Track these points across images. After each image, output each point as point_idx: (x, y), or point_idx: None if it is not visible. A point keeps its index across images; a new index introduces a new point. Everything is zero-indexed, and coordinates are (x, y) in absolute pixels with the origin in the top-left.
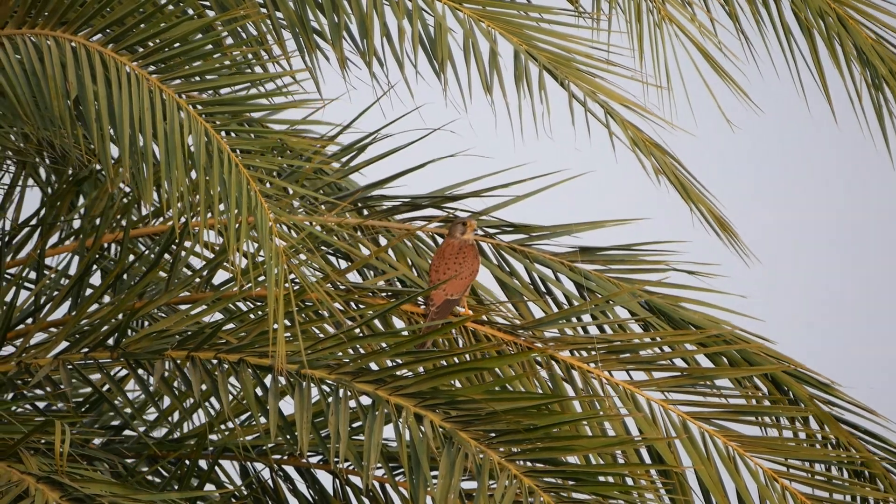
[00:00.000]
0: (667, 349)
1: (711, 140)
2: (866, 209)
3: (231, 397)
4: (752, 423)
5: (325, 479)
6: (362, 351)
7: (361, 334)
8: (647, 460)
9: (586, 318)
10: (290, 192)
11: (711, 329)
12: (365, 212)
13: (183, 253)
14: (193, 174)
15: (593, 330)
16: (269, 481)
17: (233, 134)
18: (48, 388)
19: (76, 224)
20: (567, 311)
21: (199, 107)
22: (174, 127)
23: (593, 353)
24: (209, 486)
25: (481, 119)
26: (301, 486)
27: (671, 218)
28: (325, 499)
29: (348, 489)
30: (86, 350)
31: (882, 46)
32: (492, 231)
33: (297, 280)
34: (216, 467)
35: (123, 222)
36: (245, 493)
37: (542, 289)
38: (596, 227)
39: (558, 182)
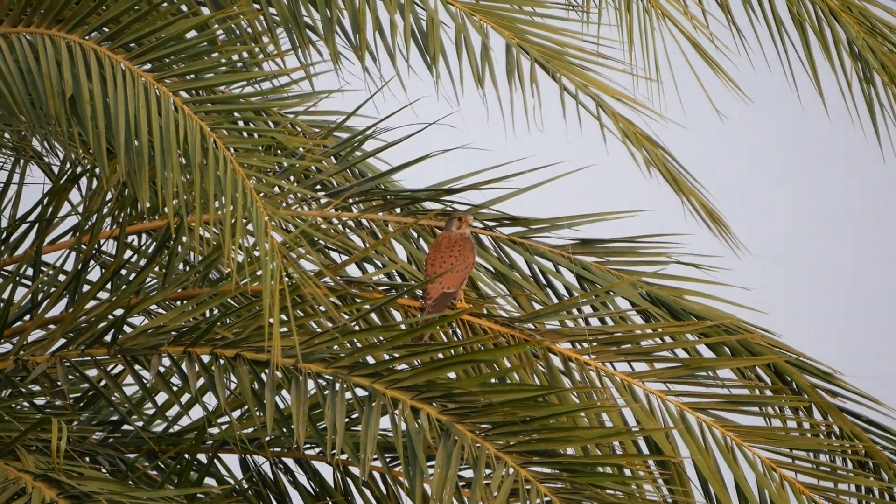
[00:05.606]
0: (668, 339)
1: (702, 132)
2: (860, 199)
3: (228, 392)
4: (754, 414)
5: (325, 470)
6: (359, 345)
7: (357, 328)
8: (645, 451)
9: (587, 309)
10: (286, 188)
11: (712, 319)
12: (362, 206)
13: (179, 248)
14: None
15: (594, 321)
16: (270, 474)
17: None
18: (45, 385)
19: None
20: (564, 304)
21: (194, 105)
22: (169, 125)
23: (590, 345)
24: (211, 481)
25: (473, 113)
26: (301, 478)
27: (673, 211)
28: (325, 490)
29: (348, 480)
30: (83, 347)
31: (874, 39)
32: (491, 224)
33: (292, 275)
34: (216, 462)
35: (121, 218)
36: (245, 486)
37: (543, 281)
38: (596, 220)
39: (558, 176)
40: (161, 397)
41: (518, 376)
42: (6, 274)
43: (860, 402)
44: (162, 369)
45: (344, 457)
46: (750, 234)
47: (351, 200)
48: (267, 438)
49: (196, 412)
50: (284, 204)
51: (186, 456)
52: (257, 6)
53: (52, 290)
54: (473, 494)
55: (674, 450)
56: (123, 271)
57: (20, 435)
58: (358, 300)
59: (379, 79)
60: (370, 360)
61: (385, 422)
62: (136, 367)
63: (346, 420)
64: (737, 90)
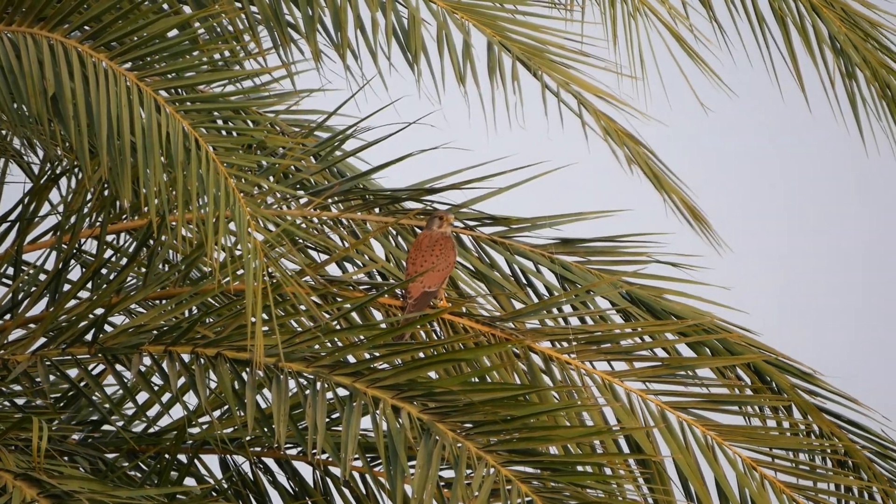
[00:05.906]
0: (648, 339)
1: (684, 130)
2: (844, 196)
3: (209, 391)
4: (735, 413)
5: (304, 470)
6: (340, 344)
7: (339, 327)
8: (626, 450)
9: (567, 308)
10: (267, 187)
11: (691, 319)
12: (342, 206)
13: (160, 248)
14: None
15: (573, 321)
16: (249, 474)
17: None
18: (26, 384)
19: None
20: (545, 303)
21: (176, 104)
22: (151, 123)
23: (571, 343)
24: (191, 481)
25: (455, 111)
26: (281, 477)
27: (655, 210)
28: (305, 490)
29: (328, 480)
30: (63, 346)
31: (855, 34)
32: (472, 223)
33: (274, 274)
34: (196, 461)
35: (101, 218)
36: (225, 486)
37: (523, 280)
38: (577, 219)
39: (539, 175)
40: (142, 396)
41: (499, 375)
42: None
43: (839, 401)
44: (142, 368)
45: (324, 456)
46: (732, 232)
47: (331, 200)
48: (247, 438)
49: (177, 411)
50: (265, 203)
51: (167, 455)
52: (238, 4)
53: (33, 289)
54: (454, 494)
55: (654, 449)
56: (104, 270)
57: (1, 434)
58: (339, 299)
59: (360, 77)
60: (351, 359)
61: (366, 421)
62: (117, 366)
63: (327, 419)
64: (720, 84)
